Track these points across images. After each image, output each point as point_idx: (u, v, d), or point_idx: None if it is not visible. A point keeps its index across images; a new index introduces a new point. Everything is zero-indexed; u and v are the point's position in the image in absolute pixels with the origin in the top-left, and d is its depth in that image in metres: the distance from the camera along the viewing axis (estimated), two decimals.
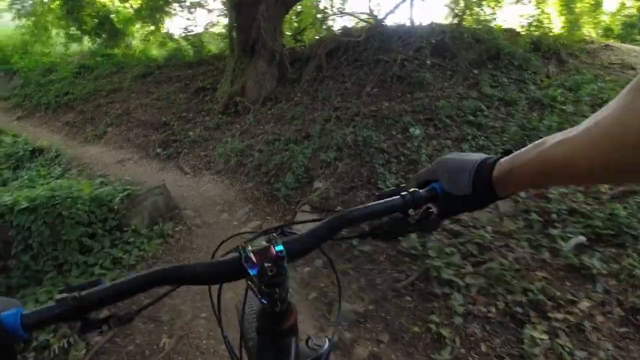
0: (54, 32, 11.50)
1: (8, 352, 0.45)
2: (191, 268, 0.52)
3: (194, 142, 5.58)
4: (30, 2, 11.02)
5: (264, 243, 0.54)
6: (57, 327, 2.19)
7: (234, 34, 7.08)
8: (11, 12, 11.16)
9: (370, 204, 0.62)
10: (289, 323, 0.58)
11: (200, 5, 12.66)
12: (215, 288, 0.65)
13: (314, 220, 0.60)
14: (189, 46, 10.11)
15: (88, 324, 0.47)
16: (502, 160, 0.56)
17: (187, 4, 12.50)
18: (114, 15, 11.71)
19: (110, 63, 10.03)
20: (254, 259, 0.51)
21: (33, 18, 11.15)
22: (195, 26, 12.30)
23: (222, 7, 12.16)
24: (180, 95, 7.25)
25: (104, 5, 11.59)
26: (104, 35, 11.48)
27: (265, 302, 0.52)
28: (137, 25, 11.92)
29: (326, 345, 0.71)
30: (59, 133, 6.91)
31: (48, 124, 7.53)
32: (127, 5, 11.71)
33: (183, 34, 10.52)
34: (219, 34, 10.60)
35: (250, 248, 0.53)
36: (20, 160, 5.28)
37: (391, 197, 0.63)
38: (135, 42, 12.11)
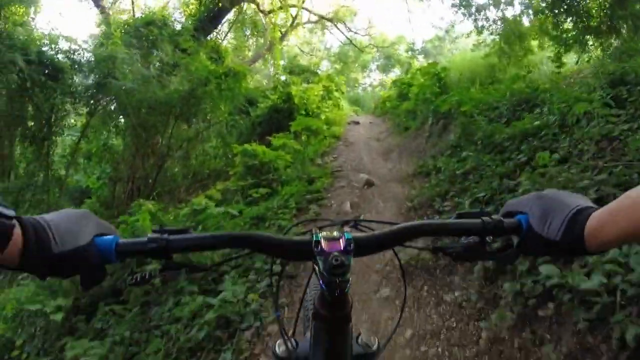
0: (534, 43, 7.77)
1: (100, 271, 0.52)
2: (265, 238, 0.56)
3: None
4: (497, 12, 7.68)
5: (336, 233, 0.54)
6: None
7: None
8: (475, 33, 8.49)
9: (448, 220, 0.60)
10: (344, 312, 0.58)
11: None
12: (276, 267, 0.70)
13: (390, 223, 0.60)
14: None
15: (170, 264, 0.54)
16: (598, 211, 0.49)
17: None
18: None
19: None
20: (323, 245, 0.52)
21: (500, 32, 7.77)
22: None
23: None
24: None
25: None
26: None
27: (324, 287, 0.52)
28: None
29: (374, 346, 0.72)
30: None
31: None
32: None
33: None
34: None
35: (322, 234, 0.54)
36: None
37: (472, 219, 0.59)
38: None
